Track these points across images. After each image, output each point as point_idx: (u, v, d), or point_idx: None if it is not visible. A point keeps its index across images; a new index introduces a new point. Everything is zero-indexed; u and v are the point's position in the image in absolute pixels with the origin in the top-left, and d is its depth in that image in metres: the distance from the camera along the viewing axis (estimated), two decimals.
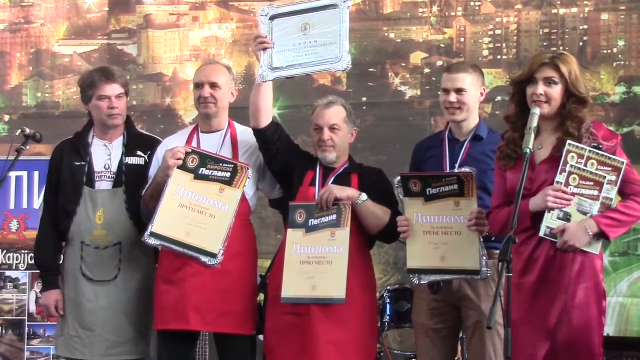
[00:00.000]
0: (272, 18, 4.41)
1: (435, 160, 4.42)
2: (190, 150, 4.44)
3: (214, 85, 4.56)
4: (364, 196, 4.35)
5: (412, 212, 4.23)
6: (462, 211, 4.13)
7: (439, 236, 4.18)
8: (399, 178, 4.25)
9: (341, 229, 4.31)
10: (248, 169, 4.43)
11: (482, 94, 4.43)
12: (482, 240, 4.12)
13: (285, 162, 4.50)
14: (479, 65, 4.72)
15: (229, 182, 4.42)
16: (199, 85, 4.60)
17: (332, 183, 4.44)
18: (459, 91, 4.36)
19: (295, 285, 4.32)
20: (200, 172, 4.42)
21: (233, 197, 4.41)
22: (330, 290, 4.28)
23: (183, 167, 4.41)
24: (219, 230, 4.39)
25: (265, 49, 4.37)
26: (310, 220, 4.37)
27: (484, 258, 4.11)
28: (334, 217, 4.33)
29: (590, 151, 3.77)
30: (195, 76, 4.69)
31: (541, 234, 3.77)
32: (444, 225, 4.18)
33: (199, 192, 4.41)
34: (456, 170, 4.24)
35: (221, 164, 4.42)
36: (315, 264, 4.32)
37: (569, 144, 3.76)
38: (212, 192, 4.42)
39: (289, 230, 4.40)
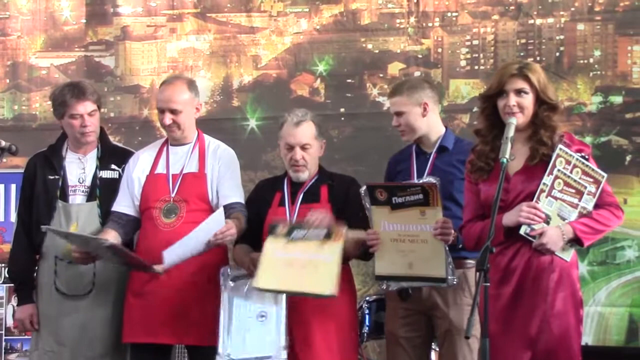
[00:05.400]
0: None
1: (404, 173, 4.47)
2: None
3: (173, 111, 4.56)
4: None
5: (379, 220, 4.23)
6: (427, 220, 4.13)
7: (405, 244, 4.19)
8: (364, 187, 4.26)
9: (331, 243, 4.26)
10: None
11: (425, 107, 4.44)
12: (447, 249, 4.13)
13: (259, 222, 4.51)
14: (456, 75, 4.74)
15: None
16: (160, 110, 4.60)
17: (302, 198, 4.46)
18: (398, 114, 4.46)
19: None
20: None
21: None
22: (317, 288, 4.21)
23: None
24: None
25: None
26: (295, 231, 4.32)
27: (450, 266, 4.12)
28: (324, 231, 4.28)
29: (577, 159, 3.81)
30: (157, 96, 4.68)
31: (521, 231, 3.78)
32: (410, 234, 4.18)
33: None
34: (420, 181, 4.26)
35: None
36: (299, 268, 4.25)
37: (560, 149, 3.79)
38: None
39: (270, 237, 4.33)
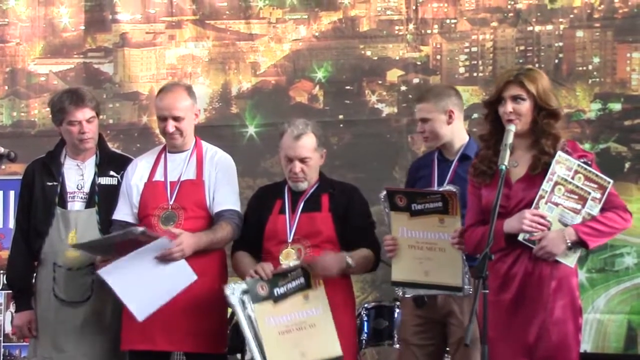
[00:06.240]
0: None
1: (425, 180, 4.48)
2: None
3: (176, 118, 4.55)
4: (350, 259, 4.36)
5: (397, 226, 4.24)
6: (446, 228, 4.13)
7: (423, 251, 4.19)
8: (384, 192, 4.26)
9: (314, 290, 4.30)
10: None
11: (450, 115, 4.44)
12: (464, 258, 4.12)
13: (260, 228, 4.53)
14: (455, 82, 4.74)
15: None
16: (161, 118, 4.58)
17: (302, 207, 4.47)
18: (423, 121, 4.46)
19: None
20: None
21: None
22: (323, 352, 4.27)
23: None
24: None
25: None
26: (275, 290, 4.33)
27: (467, 275, 4.12)
28: (302, 280, 4.32)
29: (579, 165, 3.80)
30: (156, 104, 4.65)
31: (520, 237, 3.77)
32: (428, 241, 4.18)
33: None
34: (440, 188, 4.26)
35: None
36: (296, 331, 4.29)
37: (559, 155, 3.78)
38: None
39: (256, 305, 4.33)
